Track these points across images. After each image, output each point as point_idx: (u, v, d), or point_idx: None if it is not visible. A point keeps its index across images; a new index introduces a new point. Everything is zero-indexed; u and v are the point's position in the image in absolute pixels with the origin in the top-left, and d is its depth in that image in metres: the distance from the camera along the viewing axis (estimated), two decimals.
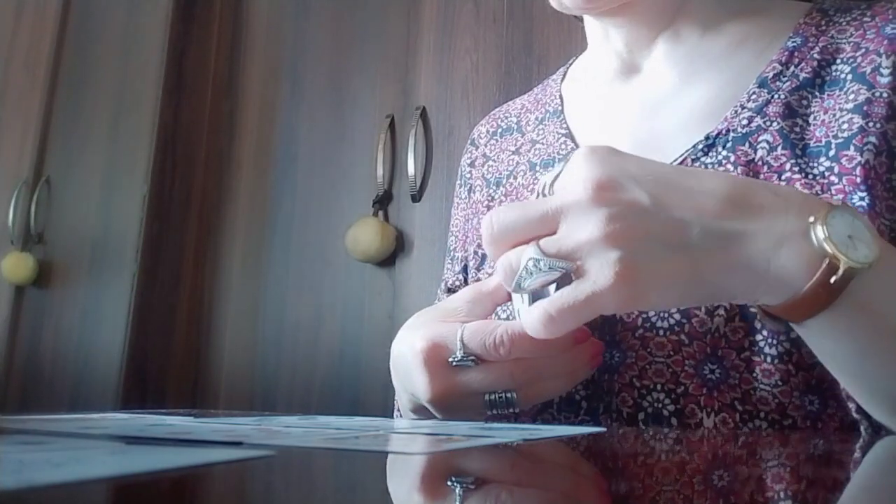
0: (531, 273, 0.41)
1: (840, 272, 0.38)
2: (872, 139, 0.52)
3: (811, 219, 0.39)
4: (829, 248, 0.38)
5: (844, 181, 0.51)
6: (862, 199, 0.50)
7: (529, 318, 0.42)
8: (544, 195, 0.44)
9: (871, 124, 0.52)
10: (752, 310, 0.50)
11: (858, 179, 0.51)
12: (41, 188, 1.90)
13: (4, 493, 0.18)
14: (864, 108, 0.53)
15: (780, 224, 0.39)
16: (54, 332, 1.83)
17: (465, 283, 0.75)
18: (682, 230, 0.38)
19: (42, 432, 0.36)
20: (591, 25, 0.69)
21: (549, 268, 0.40)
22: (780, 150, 0.54)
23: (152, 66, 1.86)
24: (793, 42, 0.59)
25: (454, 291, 0.76)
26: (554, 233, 0.41)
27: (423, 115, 1.54)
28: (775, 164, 0.54)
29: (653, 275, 0.38)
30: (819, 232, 0.38)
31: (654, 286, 0.39)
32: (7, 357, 1.85)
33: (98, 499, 0.19)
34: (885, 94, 0.53)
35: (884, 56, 0.54)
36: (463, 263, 0.75)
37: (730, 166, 0.55)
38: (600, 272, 0.38)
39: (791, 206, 0.40)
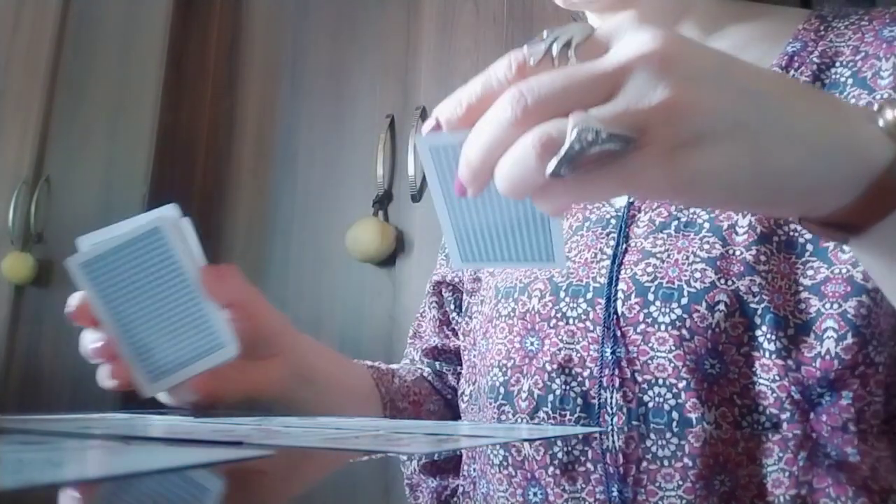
0: (584, 145, 0.30)
1: None
2: None
3: (876, 107, 0.35)
4: None
5: None
6: None
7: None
8: (555, 58, 0.33)
9: None
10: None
11: None
12: (41, 188, 1.90)
13: (4, 493, 0.18)
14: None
15: (844, 112, 0.35)
16: (54, 332, 1.82)
17: (463, 282, 0.75)
18: (751, 105, 0.32)
19: (42, 432, 0.36)
20: (595, 24, 0.69)
21: (608, 137, 0.30)
22: None
23: (152, 66, 1.86)
24: (792, 47, 0.60)
25: (452, 286, 0.76)
26: (605, 99, 0.32)
27: (423, 115, 1.54)
28: None
29: (719, 162, 0.32)
30: (889, 115, 0.34)
31: (716, 177, 0.32)
32: (7, 357, 1.85)
33: (98, 499, 0.19)
34: (885, 95, 0.54)
35: (883, 59, 0.55)
36: None
37: None
38: (661, 142, 0.31)
39: (847, 103, 0.36)
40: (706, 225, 0.54)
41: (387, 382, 0.71)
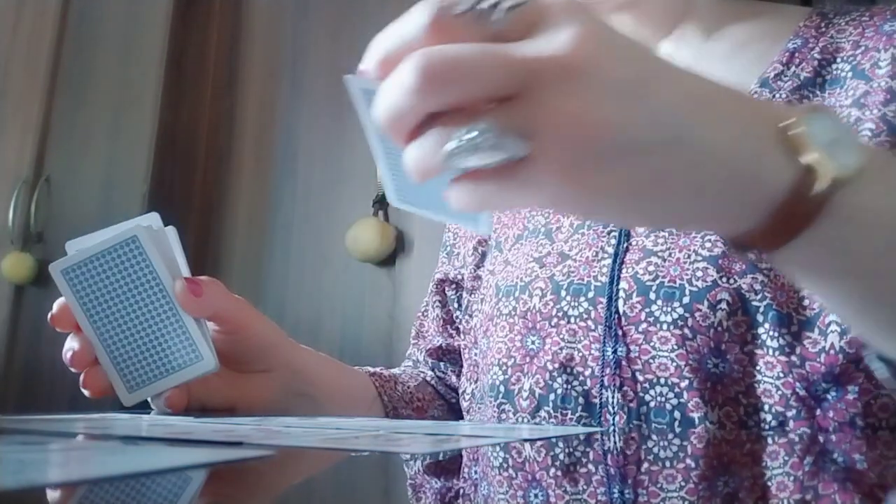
0: (471, 148, 0.29)
1: (825, 182, 0.31)
2: (869, 125, 0.53)
3: (786, 122, 0.32)
4: (809, 152, 0.32)
5: None
6: None
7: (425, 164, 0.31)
8: (486, 16, 0.30)
9: (866, 112, 0.53)
10: (721, 243, 0.45)
11: None
12: (41, 187, 1.90)
13: (4, 493, 0.18)
14: (861, 100, 0.54)
15: (752, 129, 0.32)
16: (54, 332, 1.82)
17: (465, 279, 0.75)
18: (659, 125, 0.30)
19: (42, 432, 0.36)
20: None
21: (494, 147, 0.29)
22: None
23: (152, 66, 1.86)
24: (793, 44, 0.60)
25: (455, 283, 0.76)
26: (510, 96, 0.29)
27: None
28: None
29: (611, 176, 0.30)
30: (797, 137, 0.32)
31: (611, 195, 0.31)
32: (7, 357, 1.85)
33: (98, 499, 0.19)
34: (882, 83, 0.54)
35: (882, 51, 0.55)
36: (462, 260, 0.75)
37: None
38: (554, 158, 0.29)
39: (762, 111, 0.34)
40: None
41: (389, 390, 0.71)
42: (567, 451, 0.33)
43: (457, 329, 0.76)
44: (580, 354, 0.56)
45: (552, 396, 0.56)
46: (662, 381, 0.52)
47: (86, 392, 0.52)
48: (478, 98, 0.29)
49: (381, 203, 1.55)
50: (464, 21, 0.30)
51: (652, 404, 0.52)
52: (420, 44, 0.30)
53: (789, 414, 0.49)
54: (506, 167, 0.29)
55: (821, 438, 0.41)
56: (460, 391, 0.71)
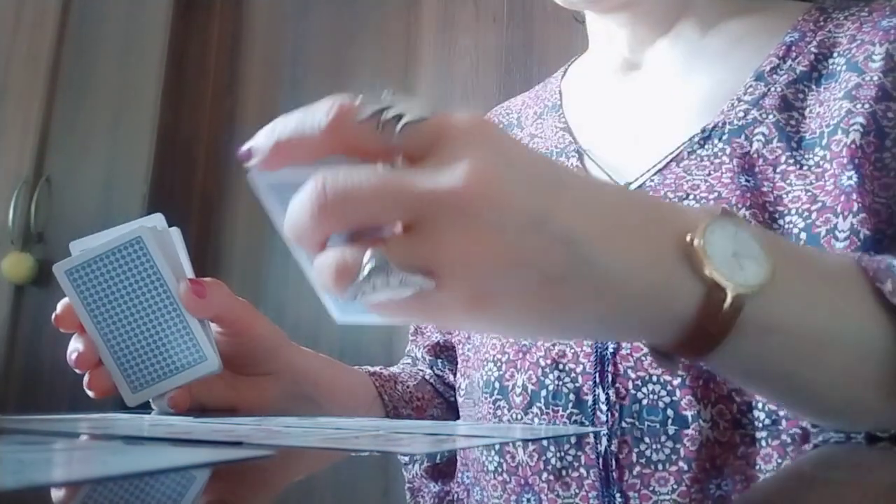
0: (375, 286, 0.29)
1: (728, 301, 0.31)
2: (859, 119, 0.52)
3: (688, 238, 0.32)
4: (710, 273, 0.31)
5: (834, 165, 0.52)
6: (850, 178, 0.51)
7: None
8: (387, 128, 0.30)
9: (858, 106, 0.53)
10: (643, 348, 0.47)
11: (845, 160, 0.51)
12: (41, 188, 1.90)
13: (4, 493, 0.18)
14: (853, 92, 0.54)
15: (655, 248, 0.32)
16: (54, 332, 1.82)
17: None
18: (562, 256, 0.30)
19: (42, 432, 0.36)
20: (594, 26, 0.70)
21: (402, 284, 0.29)
22: (775, 143, 0.55)
23: (152, 66, 1.86)
24: (790, 37, 0.60)
25: None
26: (408, 226, 0.30)
27: None
28: (770, 157, 0.55)
29: (517, 304, 0.31)
30: (697, 254, 0.32)
31: (515, 317, 0.31)
32: (7, 357, 1.85)
33: (98, 499, 0.19)
34: (875, 78, 0.54)
35: (877, 45, 0.55)
36: None
37: (725, 158, 0.56)
38: (457, 292, 0.30)
39: (666, 225, 0.33)
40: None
41: (389, 389, 0.71)
42: (559, 455, 0.33)
43: None
44: (572, 351, 0.55)
45: (543, 392, 0.56)
46: (655, 378, 0.51)
47: (90, 393, 0.52)
48: (375, 225, 0.30)
49: None
50: (364, 130, 0.30)
51: (644, 402, 0.52)
52: (317, 141, 0.30)
53: (781, 413, 0.49)
54: (413, 297, 0.30)
55: (812, 439, 0.41)
56: (456, 387, 0.71)
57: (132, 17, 1.93)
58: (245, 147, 0.33)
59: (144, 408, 0.53)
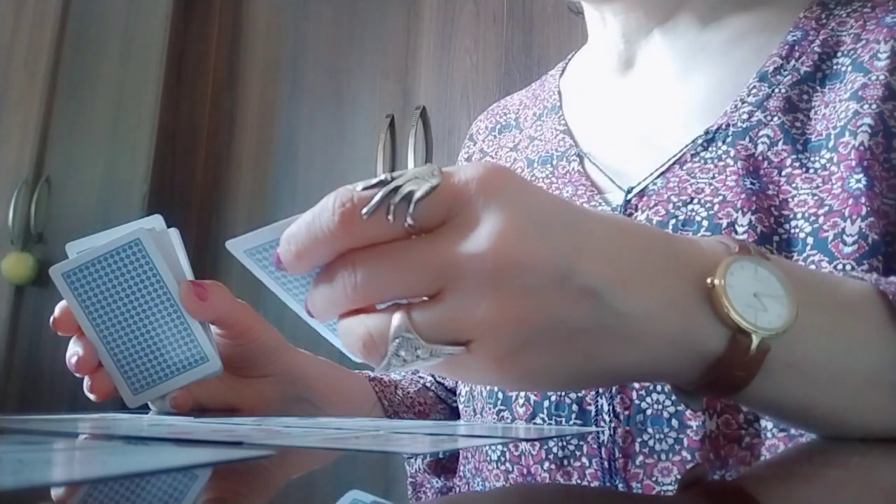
0: (405, 360, 0.30)
1: (754, 345, 0.31)
2: (867, 120, 0.51)
3: (708, 281, 0.32)
4: (735, 318, 0.31)
5: (842, 168, 0.51)
6: (858, 181, 0.50)
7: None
8: (399, 212, 0.30)
9: (865, 106, 0.52)
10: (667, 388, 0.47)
11: (854, 163, 0.50)
12: (41, 188, 1.90)
13: (4, 493, 0.18)
14: (860, 92, 0.53)
15: (678, 293, 0.32)
16: (54, 333, 1.82)
17: None
18: (589, 307, 0.30)
19: (42, 432, 0.36)
20: (591, 14, 0.69)
21: (432, 355, 0.30)
22: (780, 146, 0.54)
23: (152, 66, 1.86)
24: (793, 36, 0.59)
25: None
26: (433, 295, 0.30)
27: (423, 114, 1.54)
28: (776, 160, 0.54)
29: (546, 360, 0.31)
30: (720, 298, 0.32)
31: (545, 372, 0.32)
32: (7, 357, 1.85)
33: (98, 499, 0.19)
34: (881, 77, 0.53)
35: (882, 43, 0.54)
36: None
37: (729, 161, 0.55)
38: (487, 354, 0.30)
39: (686, 268, 0.33)
40: (704, 223, 0.53)
41: (389, 395, 0.70)
42: (561, 444, 0.33)
43: None
44: None
45: (546, 403, 0.55)
46: (659, 388, 0.51)
47: (92, 396, 0.52)
48: (401, 298, 0.30)
49: None
50: (375, 222, 0.30)
51: (648, 412, 0.51)
52: (332, 242, 0.30)
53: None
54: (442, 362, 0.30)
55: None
56: (457, 394, 0.70)
57: (132, 17, 1.93)
58: (275, 259, 0.34)
59: (144, 408, 0.53)
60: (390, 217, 0.29)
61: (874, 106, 0.52)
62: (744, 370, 0.32)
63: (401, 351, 0.30)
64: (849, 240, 0.49)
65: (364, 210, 0.29)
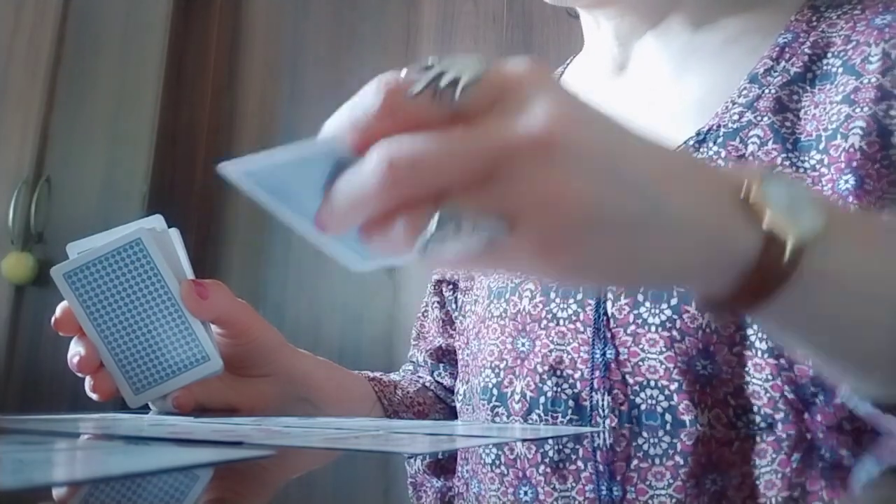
0: (446, 236, 0.28)
1: (789, 248, 0.32)
2: (860, 123, 0.52)
3: (745, 186, 0.33)
4: (771, 219, 0.32)
5: (832, 170, 0.52)
6: (847, 181, 0.50)
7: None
8: (438, 96, 0.29)
9: (857, 110, 0.53)
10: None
11: (843, 164, 0.51)
12: (41, 187, 1.90)
13: (4, 493, 0.18)
14: (852, 96, 0.53)
15: (717, 196, 0.33)
16: (55, 333, 1.82)
17: (459, 280, 0.75)
18: (634, 200, 0.30)
19: (42, 432, 0.36)
20: (585, 18, 0.70)
21: (474, 231, 0.28)
22: (770, 145, 0.54)
23: (152, 66, 1.86)
24: (783, 38, 0.59)
25: (452, 284, 0.76)
26: (482, 180, 0.29)
27: None
28: (766, 159, 0.54)
29: (588, 251, 0.31)
30: (758, 202, 0.32)
31: (585, 263, 0.31)
32: (7, 357, 1.85)
33: (98, 499, 0.19)
34: (873, 80, 0.53)
35: (873, 45, 0.54)
36: None
37: (721, 161, 0.55)
38: (531, 236, 0.29)
39: (724, 176, 0.34)
40: None
41: (389, 394, 0.70)
42: (557, 448, 0.33)
43: (456, 329, 0.76)
44: (569, 357, 0.55)
45: (542, 399, 0.56)
46: (652, 383, 0.51)
47: (94, 396, 0.52)
48: (454, 186, 0.28)
49: None
50: (420, 104, 0.29)
51: (643, 407, 0.52)
52: (374, 126, 0.29)
53: (778, 416, 0.49)
54: (483, 246, 0.29)
55: (808, 436, 0.41)
56: (455, 392, 0.71)
57: (132, 17, 1.93)
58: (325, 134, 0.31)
59: (144, 408, 0.53)
60: (437, 98, 0.28)
61: (866, 109, 0.52)
62: (776, 274, 0.32)
63: (443, 226, 0.28)
64: None
65: (410, 90, 0.29)
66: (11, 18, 2.04)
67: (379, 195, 0.28)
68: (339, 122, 0.30)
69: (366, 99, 0.29)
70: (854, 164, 0.51)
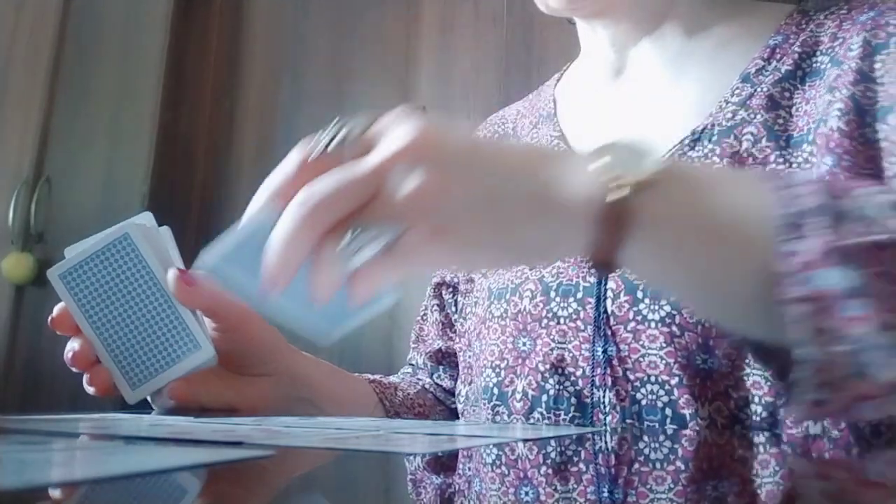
0: (360, 243, 0.36)
1: (625, 187, 0.36)
2: (839, 104, 0.53)
3: (592, 153, 0.38)
4: (609, 169, 0.37)
5: (817, 154, 0.53)
6: (825, 162, 0.52)
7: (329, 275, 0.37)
8: (339, 150, 0.38)
9: (837, 94, 0.54)
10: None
11: (823, 149, 0.53)
12: (41, 187, 1.90)
13: (4, 493, 0.18)
14: (833, 83, 0.55)
15: (570, 168, 0.38)
16: (54, 332, 1.82)
17: (458, 282, 0.75)
18: (497, 182, 0.37)
19: (42, 432, 0.36)
20: (581, 25, 0.72)
21: (375, 233, 0.36)
22: (764, 142, 0.56)
23: (152, 66, 1.86)
24: (774, 40, 0.61)
25: (452, 287, 0.76)
26: (375, 196, 0.36)
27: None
28: (760, 156, 0.55)
29: (470, 229, 0.37)
30: (600, 160, 0.37)
31: (468, 244, 0.37)
32: (7, 357, 1.85)
33: (98, 499, 0.19)
34: (853, 65, 0.54)
35: (855, 36, 0.56)
36: None
37: (716, 158, 0.56)
38: (422, 227, 0.36)
39: (567, 155, 0.40)
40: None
41: (390, 395, 0.71)
42: (559, 449, 0.33)
43: (455, 332, 0.76)
44: (571, 355, 0.56)
45: (544, 397, 0.56)
46: (653, 378, 0.52)
47: (91, 390, 0.53)
48: (352, 209, 0.36)
49: None
50: (325, 158, 0.38)
51: (643, 402, 0.53)
52: (297, 180, 0.37)
53: (779, 403, 0.49)
54: (389, 249, 0.36)
55: (811, 441, 0.41)
56: (456, 394, 0.71)
57: (132, 17, 1.93)
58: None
59: (145, 407, 0.53)
60: (336, 152, 0.37)
61: (845, 91, 0.54)
62: (618, 217, 0.36)
63: (356, 237, 0.36)
64: None
65: (314, 151, 0.38)
66: (11, 18, 2.04)
67: (301, 233, 0.36)
68: (265, 194, 0.38)
69: (284, 168, 0.38)
70: (832, 144, 0.52)
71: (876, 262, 0.33)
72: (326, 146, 0.38)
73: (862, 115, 0.53)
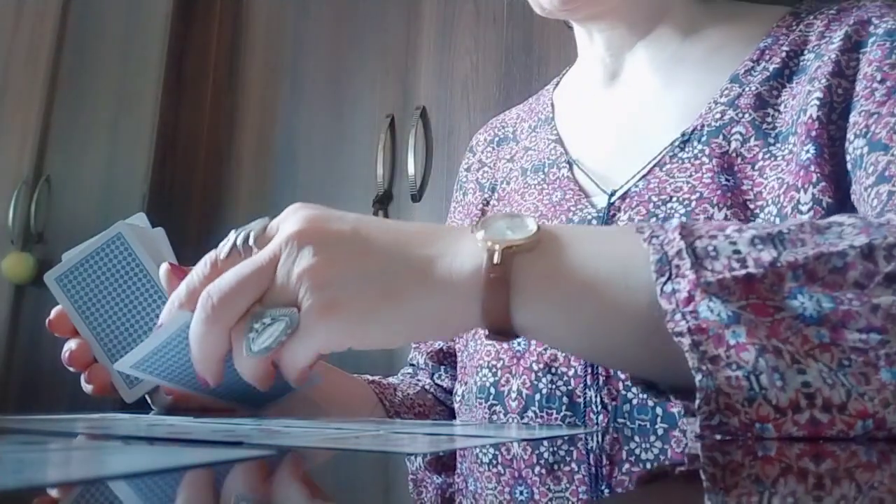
0: (258, 331, 0.40)
1: (498, 252, 0.38)
2: (817, 94, 0.54)
3: (471, 229, 0.40)
4: (487, 241, 0.39)
5: (799, 144, 0.54)
6: (807, 151, 0.53)
7: (248, 368, 0.41)
8: (241, 251, 0.43)
9: (816, 83, 0.55)
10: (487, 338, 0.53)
11: (804, 137, 0.54)
12: (41, 187, 1.90)
13: (4, 493, 0.18)
14: (813, 74, 0.56)
15: (454, 243, 0.40)
16: (53, 333, 1.82)
17: None
18: (381, 257, 0.40)
19: (42, 432, 0.36)
20: (578, 29, 0.73)
21: (273, 319, 0.39)
22: (752, 142, 0.57)
23: (152, 66, 1.86)
24: (764, 43, 0.62)
25: None
26: (270, 286, 0.40)
27: (423, 114, 1.54)
28: (748, 156, 0.56)
29: (359, 304, 0.39)
30: (479, 234, 0.40)
31: (361, 317, 0.39)
32: (7, 357, 1.85)
33: (98, 499, 0.19)
34: (833, 56, 0.56)
35: (837, 30, 0.58)
36: None
37: (705, 159, 0.57)
38: (312, 305, 0.39)
39: (463, 230, 0.42)
40: (684, 220, 0.55)
41: (390, 396, 0.71)
42: (552, 450, 0.33)
43: None
44: (563, 355, 0.56)
45: (537, 396, 0.57)
46: None
47: (88, 388, 0.53)
48: (254, 299, 0.40)
49: (381, 203, 1.55)
50: (230, 258, 0.42)
51: (634, 402, 0.53)
52: (207, 280, 0.42)
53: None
54: (291, 334, 0.39)
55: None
56: (453, 393, 0.71)
57: (132, 17, 1.93)
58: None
59: (145, 408, 0.53)
60: (241, 253, 0.42)
61: (824, 81, 0.55)
62: (499, 280, 0.38)
63: (254, 324, 0.40)
64: (804, 208, 0.51)
65: (219, 253, 0.43)
66: (11, 18, 2.04)
67: (211, 328, 0.40)
68: (180, 297, 0.43)
69: (196, 272, 0.43)
70: (813, 133, 0.53)
71: (743, 294, 0.34)
72: (233, 246, 0.42)
73: (831, 111, 0.54)
